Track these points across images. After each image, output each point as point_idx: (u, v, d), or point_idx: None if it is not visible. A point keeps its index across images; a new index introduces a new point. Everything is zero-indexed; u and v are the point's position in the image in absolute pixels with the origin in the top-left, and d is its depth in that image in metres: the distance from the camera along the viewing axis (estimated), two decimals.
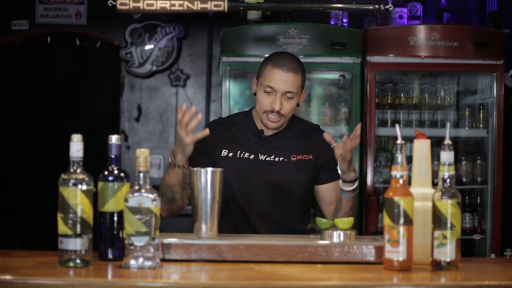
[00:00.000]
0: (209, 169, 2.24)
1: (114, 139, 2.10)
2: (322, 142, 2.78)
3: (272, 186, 2.70)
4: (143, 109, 6.01)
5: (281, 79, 2.62)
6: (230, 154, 2.71)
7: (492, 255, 4.40)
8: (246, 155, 2.71)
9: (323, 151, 2.77)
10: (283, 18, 5.05)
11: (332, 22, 5.01)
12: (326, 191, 2.79)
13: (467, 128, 4.74)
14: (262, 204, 2.70)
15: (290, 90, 2.63)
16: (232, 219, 2.70)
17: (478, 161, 4.72)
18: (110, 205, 2.07)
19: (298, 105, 2.72)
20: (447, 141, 2.04)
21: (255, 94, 2.72)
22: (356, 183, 2.64)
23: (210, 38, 5.97)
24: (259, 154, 2.72)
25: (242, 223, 2.71)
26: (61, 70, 5.89)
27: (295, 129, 2.79)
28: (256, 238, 2.23)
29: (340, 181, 2.65)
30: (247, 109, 2.91)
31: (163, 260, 2.07)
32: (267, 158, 2.72)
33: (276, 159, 2.72)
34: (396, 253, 1.97)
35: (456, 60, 4.56)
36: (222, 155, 2.71)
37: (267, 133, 2.76)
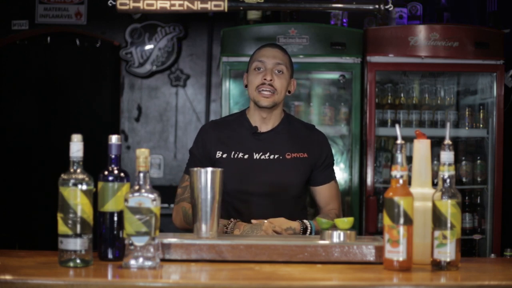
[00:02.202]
0: (209, 169, 2.24)
1: (114, 139, 2.10)
2: (316, 141, 2.80)
3: (267, 185, 2.70)
4: (143, 109, 6.01)
5: (269, 53, 2.73)
6: (225, 155, 2.73)
7: (492, 255, 4.39)
8: (241, 155, 2.72)
9: (318, 150, 2.78)
10: (283, 18, 5.05)
11: (332, 22, 5.01)
12: (320, 193, 2.80)
13: (467, 128, 4.74)
14: (257, 203, 2.70)
15: (279, 62, 2.71)
16: (227, 218, 2.70)
17: (478, 161, 4.72)
18: (110, 205, 2.07)
19: (289, 92, 2.77)
20: (447, 141, 2.04)
21: (246, 86, 2.78)
22: (308, 231, 2.59)
23: (210, 38, 5.97)
24: (254, 153, 2.73)
25: None
26: (61, 70, 5.89)
27: (289, 127, 2.80)
28: (256, 238, 2.23)
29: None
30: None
31: (163, 260, 2.07)
32: (262, 157, 2.73)
33: (271, 157, 2.73)
34: (396, 253, 1.97)
35: (456, 60, 4.56)
36: (217, 156, 2.73)
37: (261, 129, 2.77)
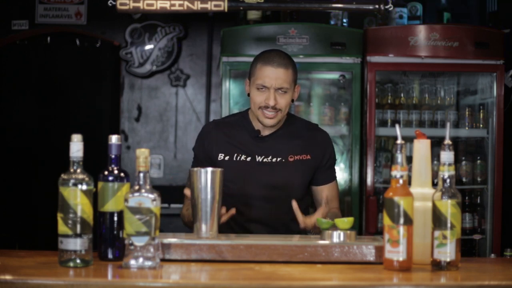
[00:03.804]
0: (209, 169, 2.24)
1: (114, 139, 2.10)
2: (320, 142, 2.77)
3: (269, 188, 2.69)
4: (143, 109, 6.01)
5: (272, 75, 2.62)
6: (227, 158, 2.70)
7: (492, 255, 4.39)
8: (243, 157, 2.70)
9: (321, 151, 2.76)
10: (283, 18, 5.05)
11: (332, 22, 5.01)
12: (322, 192, 2.77)
13: (467, 128, 4.74)
14: (259, 206, 2.69)
15: (283, 86, 2.63)
16: (229, 221, 2.69)
17: (478, 161, 4.72)
18: (110, 205, 2.07)
19: (293, 101, 2.73)
20: (447, 141, 2.04)
21: (248, 94, 2.72)
22: None
23: (210, 38, 5.97)
24: (256, 156, 2.71)
25: (239, 225, 2.70)
26: (61, 70, 5.89)
27: (292, 128, 2.78)
28: (256, 238, 2.23)
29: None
30: (243, 110, 2.91)
31: (163, 260, 2.07)
32: (264, 159, 2.71)
33: (273, 160, 2.71)
34: (396, 253, 1.97)
35: (456, 60, 4.56)
36: (219, 159, 2.70)
37: (264, 133, 2.75)
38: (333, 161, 2.81)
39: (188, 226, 2.68)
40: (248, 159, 2.70)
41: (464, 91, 5.04)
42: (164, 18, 5.91)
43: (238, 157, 2.70)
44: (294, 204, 2.50)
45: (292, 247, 2.12)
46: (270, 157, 2.71)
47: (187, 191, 2.43)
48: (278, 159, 2.71)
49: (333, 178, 2.81)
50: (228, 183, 2.63)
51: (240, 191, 2.68)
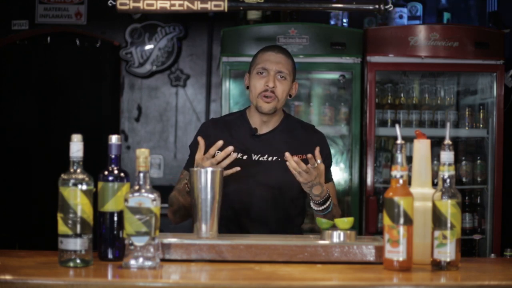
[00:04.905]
0: (209, 169, 2.24)
1: (114, 139, 2.10)
2: (315, 143, 2.77)
3: (265, 186, 2.69)
4: (143, 109, 6.02)
5: (272, 59, 2.72)
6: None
7: (492, 255, 4.39)
8: (239, 155, 2.71)
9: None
10: (283, 18, 5.05)
11: (332, 22, 5.01)
12: None
13: (467, 128, 4.74)
14: (255, 205, 2.69)
15: (282, 70, 2.70)
16: (225, 219, 2.69)
17: (478, 161, 4.72)
18: (110, 205, 2.07)
19: (290, 96, 2.77)
20: (447, 141, 2.04)
21: (247, 87, 2.77)
22: (326, 204, 2.58)
23: (210, 38, 5.97)
24: (252, 154, 2.72)
25: (235, 224, 2.70)
26: (61, 70, 5.89)
27: (289, 128, 2.79)
28: (256, 238, 2.23)
29: (311, 202, 2.60)
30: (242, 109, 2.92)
31: (163, 260, 2.07)
32: (260, 158, 2.72)
33: (269, 158, 2.72)
34: (396, 253, 1.97)
35: (456, 60, 4.56)
36: (216, 156, 2.70)
37: (261, 131, 2.76)
38: (328, 162, 2.80)
39: (177, 212, 2.72)
40: (245, 157, 2.71)
41: (464, 91, 5.04)
42: (164, 18, 5.91)
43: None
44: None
45: (292, 247, 2.12)
46: (266, 156, 2.72)
47: (200, 140, 2.50)
48: (274, 158, 2.72)
49: (329, 179, 2.79)
50: (224, 181, 2.63)
51: (236, 189, 2.68)
